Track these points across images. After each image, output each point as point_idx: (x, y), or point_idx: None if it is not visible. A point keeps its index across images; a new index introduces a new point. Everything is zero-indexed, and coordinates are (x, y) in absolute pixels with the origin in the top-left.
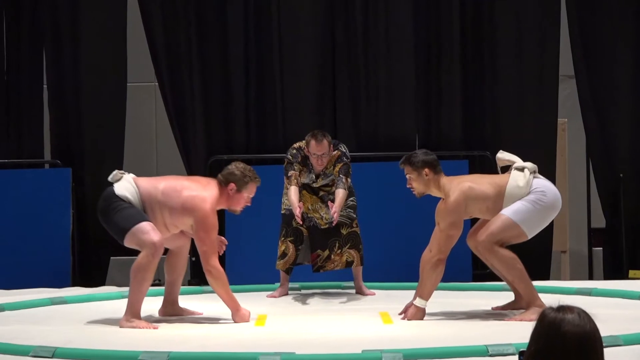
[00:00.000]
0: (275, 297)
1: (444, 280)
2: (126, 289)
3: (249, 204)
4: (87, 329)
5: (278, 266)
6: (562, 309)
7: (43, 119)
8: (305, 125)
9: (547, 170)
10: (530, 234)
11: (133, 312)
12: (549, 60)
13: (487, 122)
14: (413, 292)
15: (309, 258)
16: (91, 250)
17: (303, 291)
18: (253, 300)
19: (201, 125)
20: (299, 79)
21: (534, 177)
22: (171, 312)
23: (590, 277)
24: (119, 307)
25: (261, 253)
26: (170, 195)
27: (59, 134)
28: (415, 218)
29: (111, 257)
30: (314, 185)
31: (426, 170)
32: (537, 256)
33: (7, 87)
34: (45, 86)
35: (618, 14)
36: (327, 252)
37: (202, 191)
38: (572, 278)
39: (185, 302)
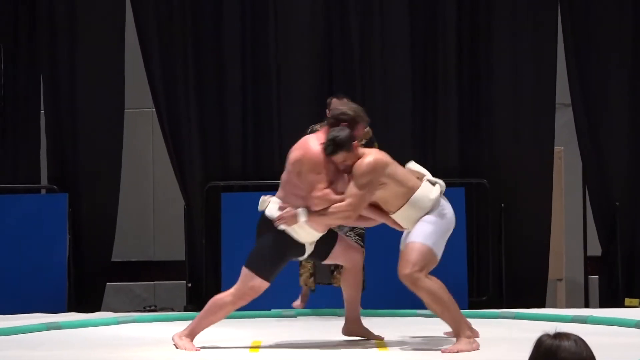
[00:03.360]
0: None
1: None
2: (121, 314)
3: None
4: (83, 355)
5: (306, 284)
6: (558, 336)
7: (40, 144)
8: None
9: (543, 198)
10: (439, 257)
11: (190, 333)
12: (546, 88)
13: (483, 149)
14: (409, 319)
15: (329, 277)
16: (87, 276)
17: (299, 317)
18: (248, 326)
19: (198, 152)
20: (296, 105)
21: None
22: (354, 332)
23: (586, 305)
24: (115, 332)
25: None
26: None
27: (55, 159)
28: None
29: (107, 283)
30: None
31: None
32: (533, 284)
33: (3, 111)
34: (42, 111)
35: (614, 42)
36: (331, 267)
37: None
38: (568, 306)
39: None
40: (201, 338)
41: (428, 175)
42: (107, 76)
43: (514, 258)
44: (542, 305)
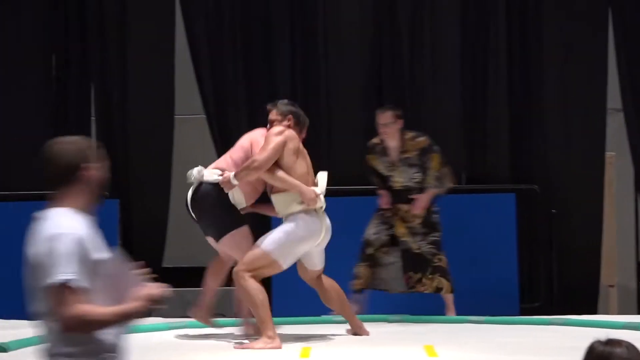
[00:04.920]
0: None
1: (490, 313)
2: (173, 320)
3: None
4: None
5: (353, 286)
6: (610, 342)
7: None
8: (351, 161)
9: (595, 203)
10: (283, 264)
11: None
12: (597, 93)
13: (534, 155)
14: (460, 325)
15: (390, 285)
16: None
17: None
18: (298, 332)
19: None
20: (346, 112)
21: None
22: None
23: (639, 312)
24: (166, 338)
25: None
26: None
27: (106, 165)
28: (468, 249)
29: None
30: (394, 183)
31: (290, 117)
32: (584, 290)
33: (56, 119)
34: (93, 118)
35: None
36: (419, 275)
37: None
38: (620, 312)
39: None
40: (247, 343)
41: (319, 190)
42: (157, 82)
43: (566, 264)
44: (593, 311)
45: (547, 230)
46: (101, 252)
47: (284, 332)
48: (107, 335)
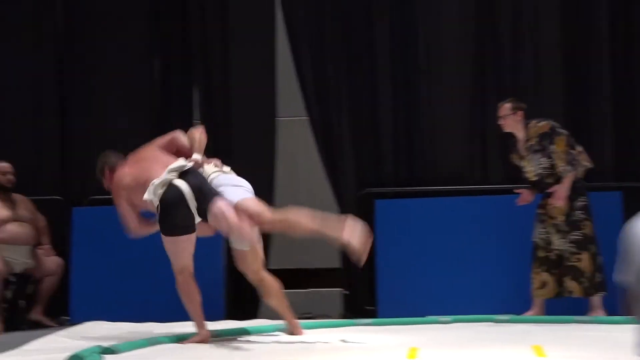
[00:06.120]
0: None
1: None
2: (279, 322)
3: None
4: None
5: (538, 296)
6: None
7: None
8: (454, 157)
9: None
10: None
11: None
12: None
13: (639, 152)
14: (566, 325)
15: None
16: (244, 284)
17: (454, 324)
18: (404, 333)
19: (351, 159)
20: (448, 109)
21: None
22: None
23: None
24: (274, 339)
25: (415, 283)
26: None
27: None
28: None
29: None
30: (527, 173)
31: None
32: None
33: (158, 123)
34: (196, 121)
35: None
36: (557, 276)
37: None
38: None
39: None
40: (355, 344)
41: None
42: (259, 85)
43: None
44: None
45: None
46: None
47: (390, 333)
48: None
